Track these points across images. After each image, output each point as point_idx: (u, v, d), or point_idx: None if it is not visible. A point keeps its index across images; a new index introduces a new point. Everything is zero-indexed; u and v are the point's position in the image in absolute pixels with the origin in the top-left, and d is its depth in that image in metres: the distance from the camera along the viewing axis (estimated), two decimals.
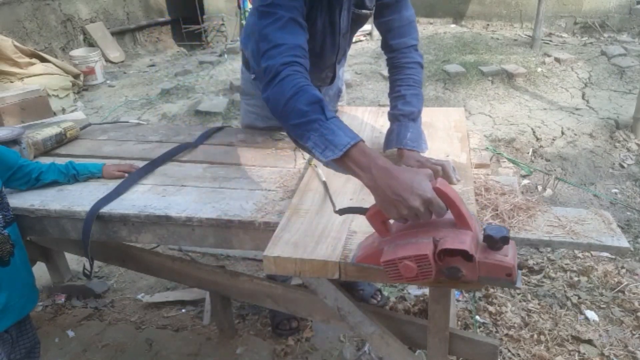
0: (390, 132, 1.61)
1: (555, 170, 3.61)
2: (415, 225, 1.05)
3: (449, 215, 1.02)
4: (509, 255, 0.98)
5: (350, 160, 1.09)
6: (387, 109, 1.66)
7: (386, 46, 1.66)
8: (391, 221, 1.09)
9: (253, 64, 1.88)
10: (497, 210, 1.35)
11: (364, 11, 1.63)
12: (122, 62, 7.14)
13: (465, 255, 0.97)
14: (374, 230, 1.10)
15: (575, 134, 3.91)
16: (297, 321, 2.19)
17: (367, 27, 6.13)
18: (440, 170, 1.41)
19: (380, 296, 2.30)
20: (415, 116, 1.58)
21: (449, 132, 1.80)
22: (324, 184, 1.46)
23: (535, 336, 2.10)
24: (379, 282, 2.39)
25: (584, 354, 2.01)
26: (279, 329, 2.18)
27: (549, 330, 2.13)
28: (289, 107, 1.18)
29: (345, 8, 1.57)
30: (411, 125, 1.56)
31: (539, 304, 2.30)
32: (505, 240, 0.98)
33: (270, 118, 1.96)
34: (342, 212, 1.18)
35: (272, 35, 1.28)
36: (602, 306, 2.28)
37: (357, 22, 1.68)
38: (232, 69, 5.60)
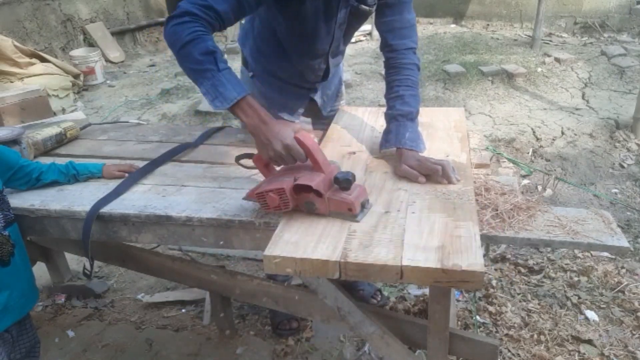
0: (388, 131, 1.61)
1: (555, 170, 3.61)
2: (288, 169, 1.34)
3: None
4: (352, 194, 1.25)
5: (237, 110, 1.31)
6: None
7: (386, 46, 1.66)
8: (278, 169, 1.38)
9: (252, 62, 1.88)
10: (497, 210, 1.35)
11: (363, 7, 1.63)
12: (122, 62, 7.14)
13: (316, 192, 1.24)
14: (369, 227, 1.24)
15: (575, 134, 3.91)
16: (298, 322, 2.19)
17: (367, 27, 6.13)
18: (440, 170, 1.42)
19: (380, 296, 2.30)
20: (414, 116, 1.59)
21: (449, 132, 1.80)
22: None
23: (535, 336, 2.10)
24: (379, 282, 2.39)
25: (584, 354, 2.02)
26: (279, 329, 2.18)
27: (549, 330, 2.13)
28: (186, 51, 1.32)
29: None
30: (410, 125, 1.57)
31: (539, 304, 2.30)
32: (347, 182, 1.24)
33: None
34: (237, 158, 1.47)
35: None
36: (602, 306, 2.28)
37: (356, 17, 1.68)
38: (233, 68, 5.59)
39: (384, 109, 1.66)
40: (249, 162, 1.43)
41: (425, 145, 1.58)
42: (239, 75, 2.05)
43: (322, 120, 2.05)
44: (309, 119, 2.02)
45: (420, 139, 1.56)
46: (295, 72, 1.84)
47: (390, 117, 1.61)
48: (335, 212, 1.27)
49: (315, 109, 2.02)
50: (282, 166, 1.36)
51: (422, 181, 1.42)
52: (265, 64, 1.85)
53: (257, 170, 1.44)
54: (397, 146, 1.54)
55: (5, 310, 1.42)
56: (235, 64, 1.85)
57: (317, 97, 1.98)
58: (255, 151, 1.40)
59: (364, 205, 1.29)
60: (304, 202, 1.28)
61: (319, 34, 1.64)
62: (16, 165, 1.53)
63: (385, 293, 2.37)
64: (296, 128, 1.29)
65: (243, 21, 1.92)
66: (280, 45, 1.76)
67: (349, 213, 1.25)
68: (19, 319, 1.48)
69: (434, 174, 1.42)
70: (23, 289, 1.48)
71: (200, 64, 1.31)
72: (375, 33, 6.11)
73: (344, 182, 1.24)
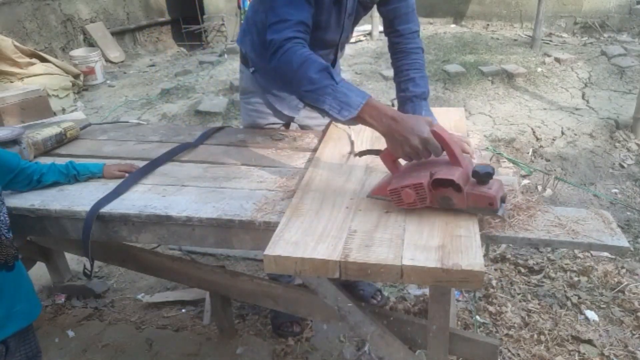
0: (404, 112, 1.67)
1: (555, 170, 3.61)
2: (418, 164, 1.31)
3: (446, 156, 1.25)
4: (492, 188, 1.20)
5: (364, 115, 1.29)
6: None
7: (392, 32, 1.75)
8: (403, 163, 1.36)
9: (254, 58, 1.88)
10: None
11: None
12: (122, 62, 7.14)
13: (455, 186, 1.20)
14: (370, 227, 1.24)
15: (575, 134, 3.91)
16: (300, 325, 2.18)
17: (367, 27, 6.13)
18: (465, 145, 1.47)
19: (380, 296, 2.30)
20: (426, 96, 1.72)
21: (451, 132, 1.80)
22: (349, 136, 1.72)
23: (535, 336, 2.10)
24: (379, 282, 2.39)
25: (584, 354, 2.02)
26: (280, 329, 2.18)
27: (549, 330, 2.13)
28: (300, 75, 1.33)
29: None
30: (424, 104, 1.69)
31: (539, 304, 2.30)
32: (488, 175, 1.20)
33: (272, 115, 1.97)
34: (361, 154, 1.48)
35: (279, 10, 1.42)
36: (602, 306, 2.28)
37: (364, 6, 1.74)
38: (232, 69, 5.60)
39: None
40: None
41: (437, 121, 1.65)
42: (239, 74, 2.07)
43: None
44: (315, 114, 2.03)
45: (433, 117, 1.67)
46: None
47: (405, 99, 1.72)
48: (474, 208, 1.24)
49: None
50: (410, 162, 1.35)
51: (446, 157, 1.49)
52: (262, 50, 1.86)
53: (258, 168, 1.44)
54: None
55: (10, 317, 1.39)
56: (235, 64, 1.85)
57: None
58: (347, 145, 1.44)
59: (503, 200, 1.26)
60: (440, 197, 1.25)
61: (330, 25, 1.69)
62: (17, 168, 1.52)
63: (385, 293, 2.37)
64: (429, 120, 1.28)
65: (242, 20, 1.93)
66: None
67: (490, 208, 1.22)
68: (22, 328, 1.45)
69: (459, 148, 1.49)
70: (27, 294, 1.46)
71: (317, 83, 1.31)
72: (375, 33, 6.10)
73: (485, 175, 1.20)
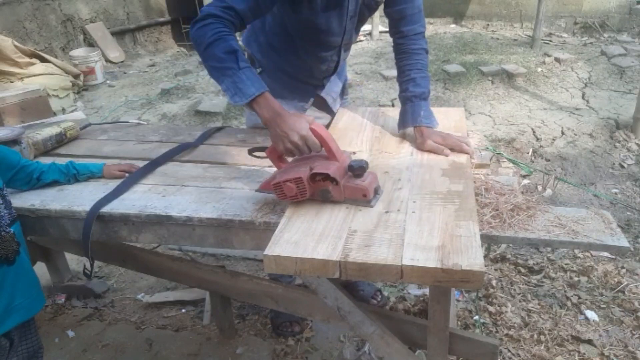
0: (404, 112, 1.74)
1: (555, 170, 3.61)
2: (301, 160, 1.40)
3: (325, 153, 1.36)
4: (366, 181, 1.32)
5: (254, 105, 1.38)
6: (387, 109, 1.74)
7: (397, 33, 1.75)
8: (290, 160, 1.44)
9: (261, 58, 1.90)
10: (497, 210, 1.35)
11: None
12: (122, 62, 7.14)
13: (332, 180, 1.31)
14: (370, 227, 1.24)
15: (575, 134, 3.91)
16: (300, 325, 2.19)
17: (367, 27, 6.12)
18: (464, 146, 1.59)
19: (380, 296, 2.30)
20: (426, 95, 1.73)
21: (449, 132, 1.80)
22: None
23: (535, 336, 2.10)
24: (379, 282, 2.39)
25: (584, 354, 2.02)
26: (280, 329, 2.18)
27: (549, 330, 2.13)
28: (209, 50, 1.40)
29: None
30: (423, 104, 1.71)
31: (539, 304, 2.30)
32: (362, 169, 1.31)
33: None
34: (250, 151, 1.51)
35: None
36: (602, 306, 2.28)
37: (368, 8, 1.75)
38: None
39: (384, 109, 1.70)
40: (261, 154, 1.47)
41: (437, 121, 1.71)
42: None
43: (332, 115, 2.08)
44: (320, 114, 2.03)
45: (433, 116, 1.70)
46: (304, 67, 1.87)
47: (404, 99, 1.74)
48: (350, 199, 1.33)
49: (324, 107, 2.04)
50: (293, 158, 1.43)
51: (448, 154, 1.59)
52: (276, 59, 1.88)
53: (257, 168, 1.44)
54: (414, 125, 1.68)
55: (11, 311, 1.41)
56: None
57: (325, 94, 1.99)
58: (267, 144, 1.44)
59: (376, 191, 1.36)
60: (319, 190, 1.34)
61: (331, 27, 1.69)
62: (17, 165, 1.53)
63: (385, 293, 2.37)
64: (310, 120, 1.36)
65: None
66: (291, 41, 1.80)
67: (363, 199, 1.32)
68: (23, 321, 1.47)
69: (458, 148, 1.60)
70: (29, 289, 1.47)
71: (222, 62, 1.39)
72: (375, 33, 6.11)
73: (358, 169, 1.31)
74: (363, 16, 1.78)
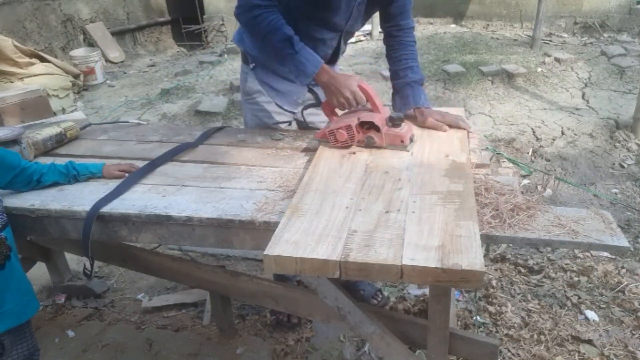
0: (405, 96, 1.89)
1: (555, 170, 3.61)
2: (349, 112, 1.71)
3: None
4: (403, 130, 1.62)
5: (316, 78, 1.67)
6: (387, 108, 1.75)
7: (394, 26, 1.90)
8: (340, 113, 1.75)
9: (252, 52, 1.93)
10: (497, 210, 1.35)
11: None
12: (122, 62, 7.14)
13: (375, 127, 1.61)
14: (370, 227, 1.24)
15: (575, 134, 3.91)
16: (298, 318, 2.19)
17: (367, 27, 6.12)
18: (460, 121, 1.80)
19: (380, 296, 2.30)
20: (422, 82, 1.93)
21: (449, 132, 1.80)
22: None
23: (535, 336, 2.10)
24: (379, 282, 2.39)
25: (584, 354, 2.02)
26: (277, 318, 2.20)
27: (549, 330, 2.13)
28: (267, 42, 1.67)
29: None
30: (421, 89, 1.90)
31: (539, 304, 2.30)
32: (400, 119, 1.61)
33: (278, 113, 2.01)
34: (304, 108, 1.92)
35: None
36: (602, 306, 2.28)
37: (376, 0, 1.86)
38: (232, 69, 5.60)
39: (384, 108, 1.72)
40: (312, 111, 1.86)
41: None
42: (240, 75, 2.07)
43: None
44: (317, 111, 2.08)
45: (428, 101, 1.90)
46: None
47: (404, 84, 1.90)
48: (390, 145, 1.62)
49: (318, 102, 2.04)
50: (344, 111, 1.72)
51: (447, 129, 1.78)
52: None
53: (258, 168, 1.51)
54: (416, 106, 1.85)
55: (0, 316, 1.40)
56: (235, 64, 1.87)
57: (319, 90, 1.99)
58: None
59: (411, 139, 1.64)
60: (365, 137, 1.63)
61: (339, 9, 1.76)
62: (18, 167, 1.52)
63: (386, 293, 2.37)
64: (357, 79, 1.66)
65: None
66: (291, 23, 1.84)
67: (401, 144, 1.61)
68: (15, 326, 1.46)
69: (455, 124, 1.80)
70: (19, 294, 1.46)
71: (281, 50, 1.66)
72: (375, 33, 6.11)
73: (397, 119, 1.61)
74: (370, 6, 1.85)
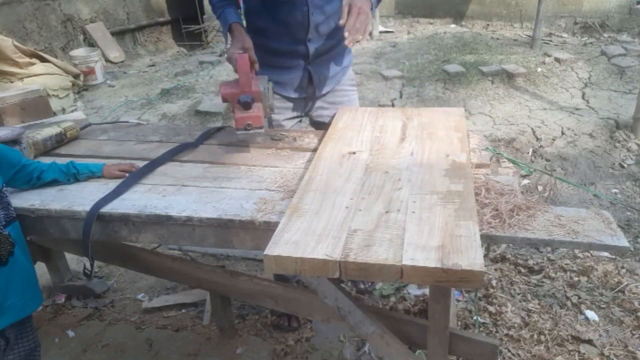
0: None
1: (555, 170, 3.61)
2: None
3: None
4: (254, 112, 1.68)
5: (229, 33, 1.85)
6: (387, 109, 1.73)
7: None
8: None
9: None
10: (497, 210, 1.35)
11: None
12: (122, 62, 7.14)
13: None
14: (370, 227, 1.24)
15: (575, 134, 3.91)
16: (298, 322, 2.19)
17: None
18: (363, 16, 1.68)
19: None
20: None
21: (449, 132, 1.80)
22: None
23: (535, 336, 2.10)
24: (378, 282, 2.39)
25: (584, 354, 2.02)
26: (277, 320, 2.20)
27: (549, 330, 2.13)
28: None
29: None
30: None
31: (539, 304, 2.30)
32: (247, 104, 1.67)
33: (288, 109, 2.05)
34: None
35: None
36: (602, 306, 2.28)
37: None
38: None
39: (385, 109, 1.70)
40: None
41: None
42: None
43: (315, 99, 2.09)
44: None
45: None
46: (285, 32, 1.90)
47: None
48: (241, 130, 1.71)
49: (311, 90, 2.05)
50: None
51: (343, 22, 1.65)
52: (261, 41, 1.91)
53: (258, 168, 1.54)
54: None
55: (3, 310, 1.41)
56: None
57: (313, 74, 1.99)
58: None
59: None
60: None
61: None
62: (18, 164, 1.53)
63: (386, 293, 2.37)
64: (238, 48, 1.76)
65: (245, 22, 1.98)
66: (269, 9, 1.88)
67: (251, 127, 1.70)
68: (17, 321, 1.48)
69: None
70: (22, 289, 1.47)
71: (215, 10, 1.92)
72: (376, 33, 6.10)
73: (244, 103, 1.67)
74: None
